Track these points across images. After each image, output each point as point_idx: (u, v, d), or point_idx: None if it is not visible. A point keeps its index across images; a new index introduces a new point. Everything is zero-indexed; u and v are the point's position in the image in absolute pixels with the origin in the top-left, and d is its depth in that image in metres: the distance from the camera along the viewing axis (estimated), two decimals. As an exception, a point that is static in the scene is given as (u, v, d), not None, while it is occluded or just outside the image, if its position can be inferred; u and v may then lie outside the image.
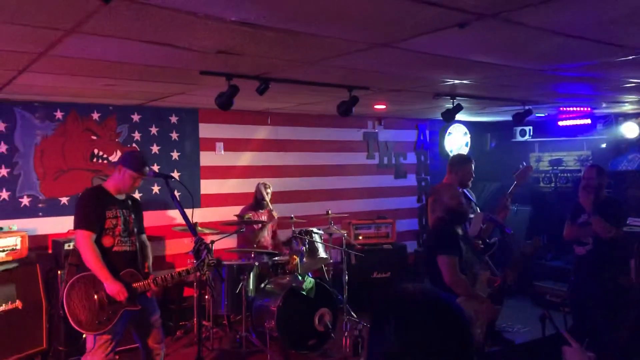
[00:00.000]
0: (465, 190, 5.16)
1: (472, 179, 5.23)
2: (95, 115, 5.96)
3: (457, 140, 8.78)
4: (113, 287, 3.67)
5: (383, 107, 6.72)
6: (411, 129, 8.48)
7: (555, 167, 8.18)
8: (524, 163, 5.69)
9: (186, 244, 6.27)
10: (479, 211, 5.13)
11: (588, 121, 7.51)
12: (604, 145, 7.79)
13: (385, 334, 1.22)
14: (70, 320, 3.62)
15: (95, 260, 3.66)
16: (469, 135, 8.84)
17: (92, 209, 3.77)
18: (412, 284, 1.33)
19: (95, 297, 3.67)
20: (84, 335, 3.74)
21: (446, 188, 4.11)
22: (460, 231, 3.98)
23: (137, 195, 5.77)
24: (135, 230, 3.98)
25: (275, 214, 6.20)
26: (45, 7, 2.44)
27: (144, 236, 4.14)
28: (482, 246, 4.79)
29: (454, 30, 2.84)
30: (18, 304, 4.94)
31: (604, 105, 6.86)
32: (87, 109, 5.92)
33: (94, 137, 5.95)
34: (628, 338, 2.10)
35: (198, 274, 3.70)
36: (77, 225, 3.76)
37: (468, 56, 3.63)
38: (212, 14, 2.57)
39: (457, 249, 3.81)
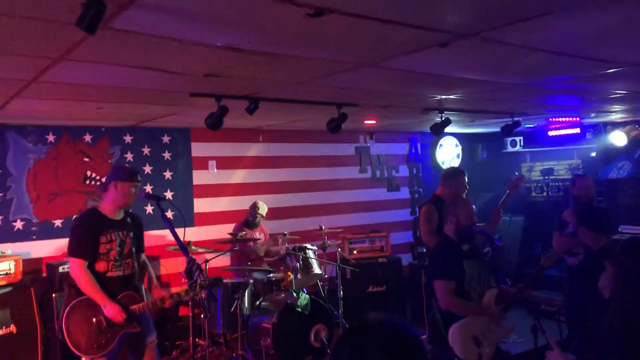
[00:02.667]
0: None
1: (466, 191, 5.25)
2: (88, 137, 6.00)
3: (448, 152, 8.84)
4: (111, 310, 3.68)
5: (373, 122, 6.78)
6: (403, 142, 8.54)
7: (547, 177, 8.24)
8: (517, 173, 5.76)
9: (181, 264, 6.26)
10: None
11: (577, 130, 7.59)
12: (593, 154, 7.87)
13: (345, 357, 1.25)
14: (69, 344, 3.62)
15: (90, 286, 3.68)
16: (460, 147, 8.90)
17: (83, 236, 3.77)
18: (375, 313, 1.34)
19: (94, 320, 3.68)
20: (82, 359, 3.72)
21: (464, 204, 3.92)
22: (466, 247, 3.89)
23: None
24: (133, 250, 3.98)
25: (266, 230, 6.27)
26: (33, 38, 2.49)
27: (143, 255, 4.15)
28: (499, 245, 4.77)
29: (435, 49, 2.90)
30: (12, 328, 4.94)
31: (592, 115, 6.94)
32: (79, 132, 5.95)
33: (87, 159, 5.98)
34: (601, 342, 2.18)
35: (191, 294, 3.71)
36: (70, 252, 3.79)
37: (452, 73, 3.69)
38: (198, 40, 2.62)
39: (455, 273, 3.75)
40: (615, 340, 2.08)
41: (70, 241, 3.82)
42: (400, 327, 1.29)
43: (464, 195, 5.14)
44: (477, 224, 4.06)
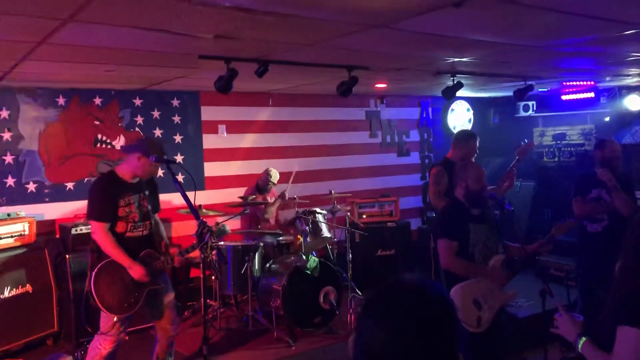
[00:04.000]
0: None
1: (475, 155, 5.21)
2: (98, 101, 6.00)
3: (460, 117, 8.75)
4: (136, 271, 3.77)
5: (384, 85, 6.71)
6: (414, 107, 8.46)
7: (559, 142, 8.15)
8: (526, 140, 5.68)
9: (192, 227, 6.33)
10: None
11: (591, 95, 7.47)
12: (607, 119, 7.76)
13: (371, 325, 1.25)
14: (100, 306, 3.70)
15: (113, 248, 3.74)
16: (472, 112, 8.82)
17: (103, 200, 3.81)
18: (406, 275, 1.33)
19: (121, 281, 3.77)
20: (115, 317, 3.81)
21: (474, 168, 3.87)
22: (476, 211, 3.87)
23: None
24: (150, 209, 4.02)
25: (287, 194, 6.27)
26: (41, -3, 2.46)
27: (157, 215, 4.18)
28: (510, 209, 4.74)
29: (449, 9, 2.85)
30: (28, 287, 5.04)
31: (607, 78, 6.82)
32: (89, 95, 5.95)
33: (97, 122, 5.99)
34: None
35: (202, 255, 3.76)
36: (91, 216, 3.82)
37: (465, 35, 3.62)
38: (207, 1, 2.58)
39: (459, 234, 3.76)
40: (625, 305, 2.08)
41: (90, 205, 3.84)
42: (432, 288, 1.28)
43: (473, 159, 5.13)
44: (489, 187, 4.02)
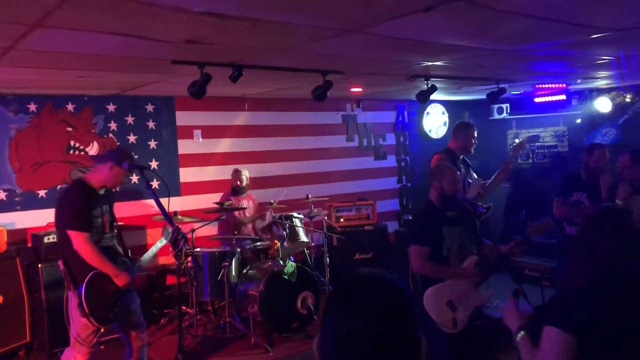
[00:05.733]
0: (465, 157, 5.36)
1: (474, 144, 5.36)
2: (70, 107, 5.91)
3: (435, 120, 8.83)
4: (122, 279, 3.74)
5: (359, 89, 6.74)
6: (390, 110, 8.51)
7: (533, 144, 8.27)
8: (516, 140, 5.76)
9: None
10: (475, 177, 5.26)
11: (563, 97, 7.59)
12: (579, 121, 7.89)
13: (334, 318, 1.27)
14: (92, 320, 3.62)
15: (99, 258, 3.68)
16: (447, 115, 8.90)
17: (83, 209, 3.74)
18: (364, 268, 1.38)
19: (107, 291, 3.72)
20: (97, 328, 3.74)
21: (449, 171, 3.89)
22: (451, 214, 3.89)
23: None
24: (115, 222, 4.00)
25: (267, 216, 6.24)
26: (6, 2, 2.42)
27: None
28: (482, 212, 4.80)
29: (420, 14, 2.87)
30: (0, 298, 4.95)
31: (578, 81, 6.94)
32: (62, 101, 5.86)
33: (70, 129, 5.91)
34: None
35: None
36: (73, 226, 3.69)
37: (437, 39, 3.65)
38: (177, 6, 2.56)
39: (431, 239, 3.74)
40: (551, 306, 2.23)
41: (68, 214, 3.74)
42: (390, 281, 1.31)
43: (472, 149, 5.34)
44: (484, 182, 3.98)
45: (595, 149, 5.00)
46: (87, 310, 3.59)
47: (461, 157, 5.32)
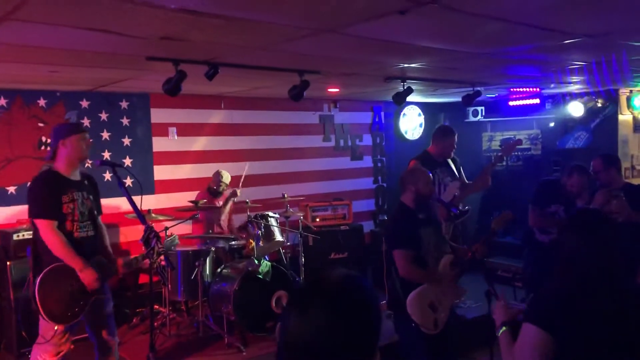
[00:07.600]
0: (448, 160, 5.50)
1: (453, 150, 5.53)
2: (42, 102, 5.80)
3: (411, 122, 8.88)
4: (88, 275, 3.54)
5: (336, 90, 6.75)
6: (366, 111, 8.54)
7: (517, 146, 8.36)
8: (514, 137, 5.81)
9: (140, 232, 6.19)
10: (450, 180, 5.32)
11: (537, 101, 7.70)
12: (552, 124, 8.03)
13: (291, 320, 1.24)
14: (43, 314, 3.45)
15: (65, 248, 3.51)
16: (423, 116, 8.96)
17: (48, 196, 3.58)
18: (336, 270, 1.32)
19: (68, 288, 3.53)
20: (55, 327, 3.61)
21: (423, 173, 3.94)
22: (422, 215, 3.94)
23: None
24: (95, 212, 3.85)
25: (239, 191, 6.25)
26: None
27: (99, 219, 3.96)
28: (456, 213, 4.83)
29: (395, 16, 2.88)
30: (-34, 297, 4.84)
31: (552, 85, 7.05)
32: (33, 96, 5.75)
33: (41, 125, 5.80)
34: None
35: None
36: (37, 214, 3.56)
37: (412, 41, 3.68)
38: (151, 1, 2.54)
39: (413, 241, 3.77)
40: (530, 304, 2.28)
41: (33, 203, 3.61)
42: (354, 288, 1.27)
43: (452, 154, 5.49)
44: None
45: (574, 172, 4.68)
46: (38, 304, 3.42)
47: (440, 160, 5.39)
